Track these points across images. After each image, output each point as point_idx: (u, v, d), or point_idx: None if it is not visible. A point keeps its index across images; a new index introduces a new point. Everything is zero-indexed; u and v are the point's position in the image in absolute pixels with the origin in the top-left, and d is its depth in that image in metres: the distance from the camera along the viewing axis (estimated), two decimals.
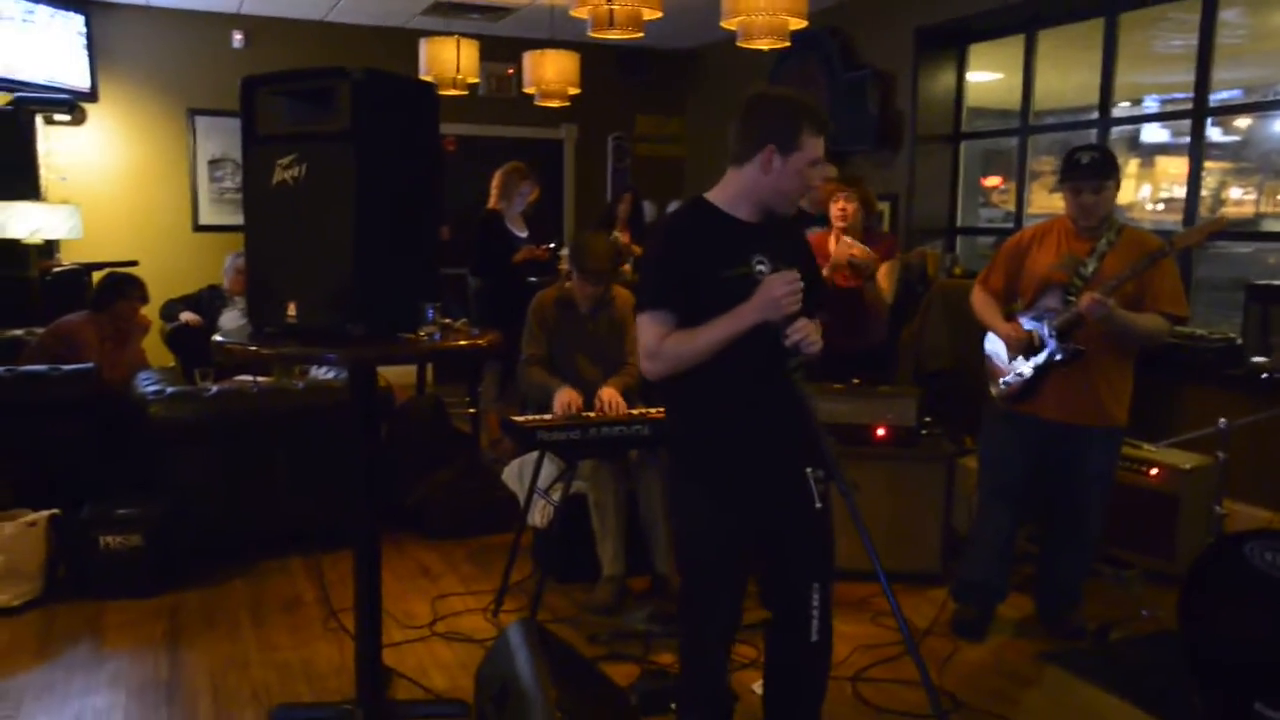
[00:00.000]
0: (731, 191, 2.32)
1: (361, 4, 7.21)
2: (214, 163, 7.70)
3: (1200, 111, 4.95)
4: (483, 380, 5.72)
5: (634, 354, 4.03)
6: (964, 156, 6.56)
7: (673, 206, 8.67)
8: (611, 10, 3.57)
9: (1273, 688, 2.62)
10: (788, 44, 4.05)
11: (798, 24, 3.82)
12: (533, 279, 5.38)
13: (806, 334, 2.20)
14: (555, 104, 6.03)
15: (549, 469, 3.80)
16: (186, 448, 4.03)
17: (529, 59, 5.82)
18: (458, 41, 5.63)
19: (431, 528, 4.50)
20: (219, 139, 7.66)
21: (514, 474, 4.06)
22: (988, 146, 6.70)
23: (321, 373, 4.61)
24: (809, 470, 2.20)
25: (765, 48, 4.04)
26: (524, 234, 5.69)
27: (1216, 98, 4.95)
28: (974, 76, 6.50)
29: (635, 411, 3.62)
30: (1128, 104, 5.61)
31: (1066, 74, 6.16)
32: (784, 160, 2.21)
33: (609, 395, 3.69)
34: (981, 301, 3.52)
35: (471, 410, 5.83)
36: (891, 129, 6.52)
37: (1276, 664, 2.62)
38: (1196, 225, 3.04)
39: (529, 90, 5.96)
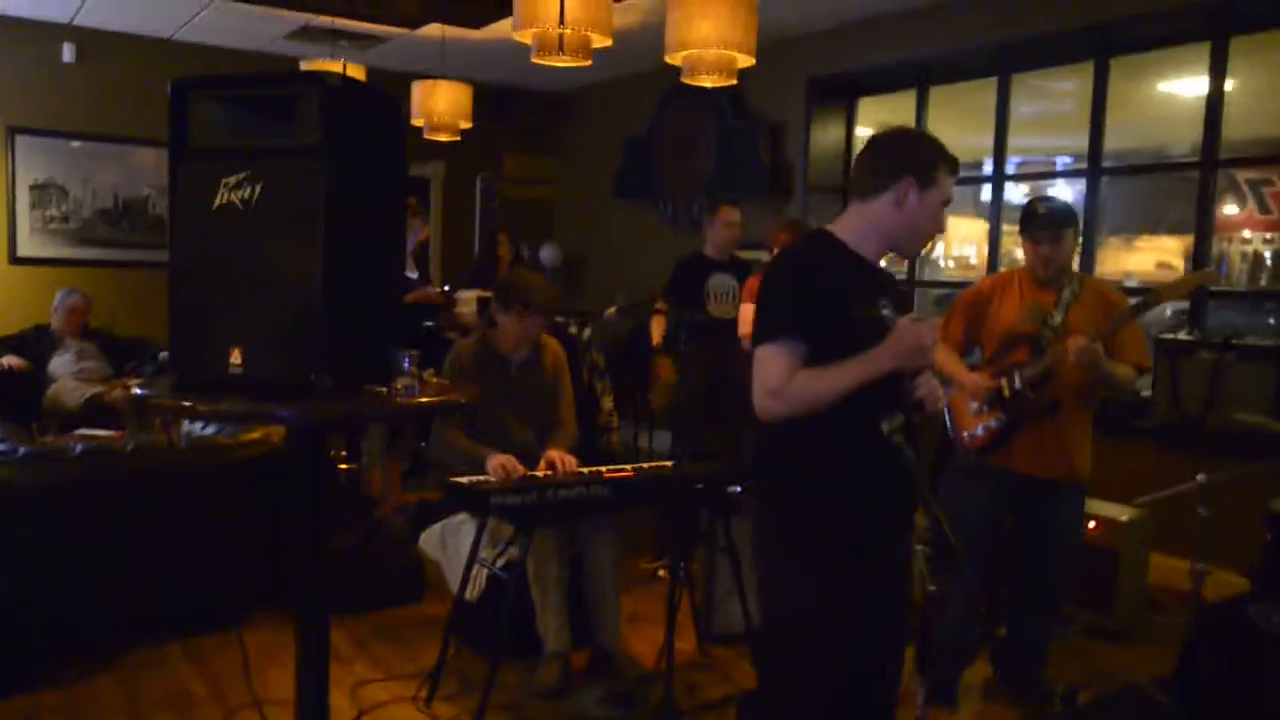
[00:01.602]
0: (858, 228, 2.16)
1: (216, 23, 6.61)
2: (37, 187, 6.85)
3: (1095, 170, 5.13)
4: (366, 433, 5.23)
5: (568, 414, 3.71)
6: None
7: (545, 250, 8.38)
8: (561, 35, 3.28)
9: None
10: (734, 82, 3.86)
11: (746, 61, 3.64)
12: (427, 323, 4.97)
13: (933, 389, 2.06)
14: (445, 138, 5.66)
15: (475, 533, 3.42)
16: (39, 517, 3.38)
17: (419, 89, 5.44)
18: (344, 66, 5.19)
19: (330, 602, 3.97)
20: (44, 161, 6.82)
21: (435, 541, 3.64)
22: None
23: (198, 428, 4.04)
24: (920, 548, 1.99)
25: (709, 84, 3.84)
26: (414, 274, 5.28)
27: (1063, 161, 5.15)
28: (860, 130, 6.57)
29: (587, 470, 3.30)
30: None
31: (942, 132, 6.35)
32: (920, 195, 2.09)
33: (558, 456, 3.35)
34: (942, 353, 3.41)
35: (347, 465, 5.31)
36: (782, 178, 6.49)
37: None
38: (1182, 278, 3.03)
39: (417, 122, 5.56)
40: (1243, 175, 6.35)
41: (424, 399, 2.20)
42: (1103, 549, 3.92)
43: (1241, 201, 6.92)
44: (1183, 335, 4.45)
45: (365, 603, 4.01)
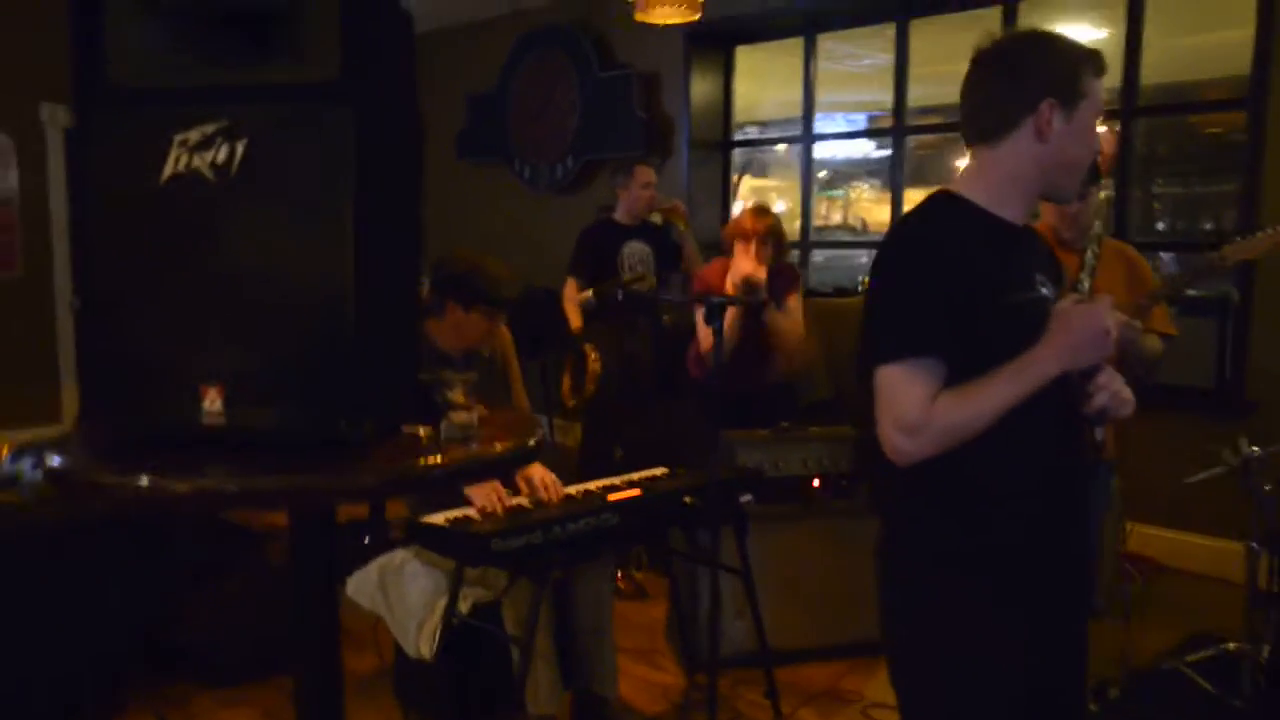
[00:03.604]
0: (992, 182, 1.63)
1: None
2: None
3: None
4: None
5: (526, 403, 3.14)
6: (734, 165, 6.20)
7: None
8: None
9: None
10: (696, 17, 3.32)
11: None
12: None
13: (1119, 390, 1.57)
14: None
15: (429, 581, 2.80)
16: None
17: None
18: None
19: (221, 670, 3.20)
20: None
21: (371, 588, 2.94)
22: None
23: (29, 468, 3.11)
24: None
25: (662, 23, 3.28)
26: None
27: None
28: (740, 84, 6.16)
29: (575, 491, 2.71)
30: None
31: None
32: (1067, 117, 1.57)
33: (540, 475, 2.75)
34: None
35: None
36: (660, 134, 5.98)
37: None
38: (1258, 235, 2.74)
39: None
40: None
41: (495, 448, 1.56)
42: None
43: None
44: None
45: (266, 665, 3.25)
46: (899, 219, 1.71)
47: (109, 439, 1.50)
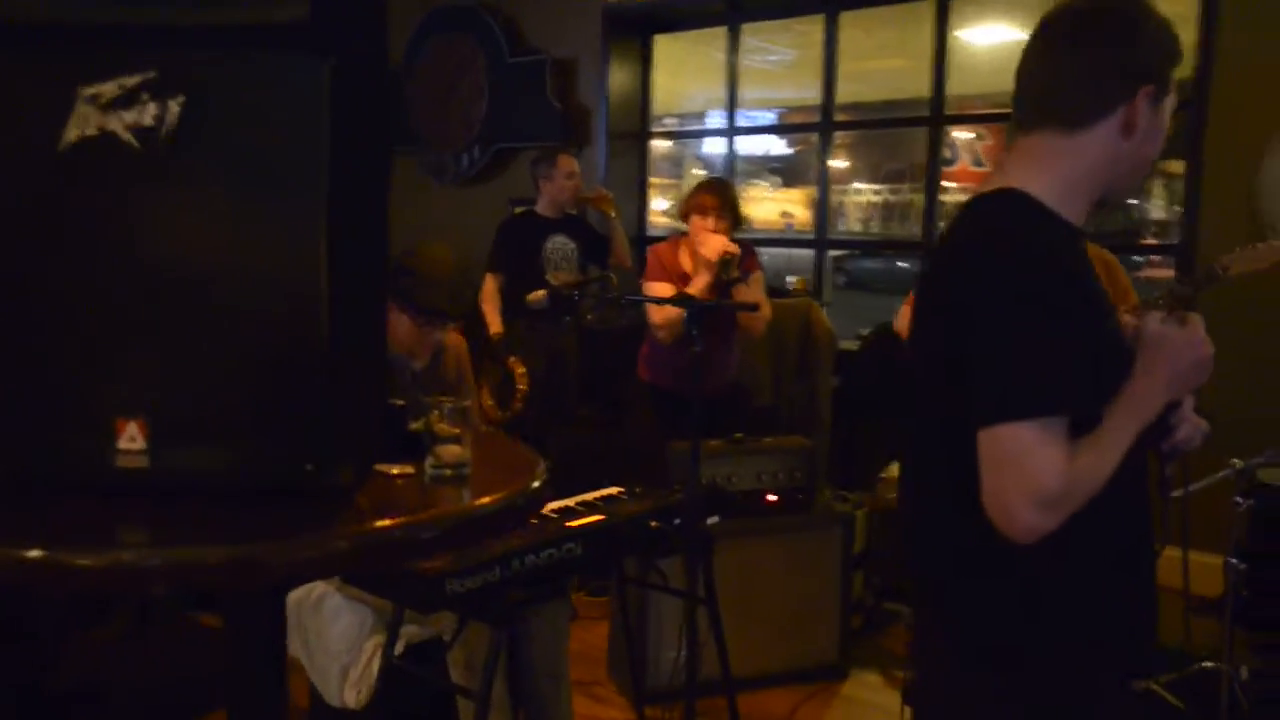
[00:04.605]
0: (1063, 177, 1.32)
1: None
2: None
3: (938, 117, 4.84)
4: None
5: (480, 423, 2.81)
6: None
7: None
8: None
9: None
10: None
11: None
12: None
13: (1197, 421, 1.37)
14: None
15: (353, 618, 2.47)
16: None
17: None
18: None
19: None
20: None
21: (291, 627, 2.58)
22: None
23: None
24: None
25: None
26: None
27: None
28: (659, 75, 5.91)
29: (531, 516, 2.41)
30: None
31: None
32: (1155, 109, 1.31)
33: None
34: None
35: None
36: (577, 123, 5.67)
37: None
38: (1258, 247, 2.57)
39: None
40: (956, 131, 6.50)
41: (494, 496, 1.24)
42: None
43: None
44: None
45: (168, 714, 2.84)
46: (974, 224, 1.34)
47: None
